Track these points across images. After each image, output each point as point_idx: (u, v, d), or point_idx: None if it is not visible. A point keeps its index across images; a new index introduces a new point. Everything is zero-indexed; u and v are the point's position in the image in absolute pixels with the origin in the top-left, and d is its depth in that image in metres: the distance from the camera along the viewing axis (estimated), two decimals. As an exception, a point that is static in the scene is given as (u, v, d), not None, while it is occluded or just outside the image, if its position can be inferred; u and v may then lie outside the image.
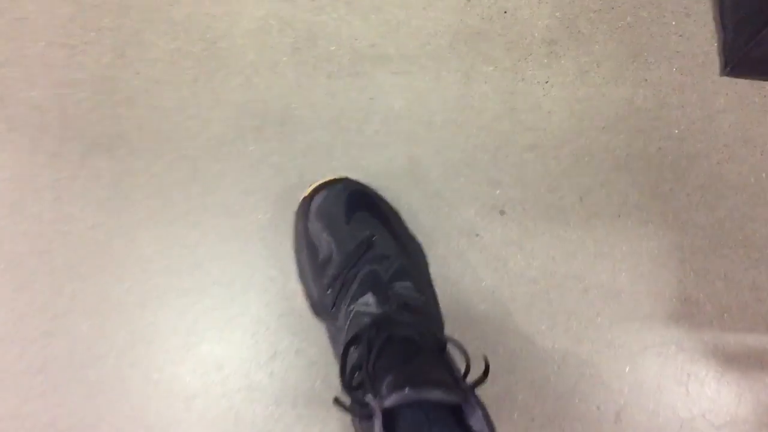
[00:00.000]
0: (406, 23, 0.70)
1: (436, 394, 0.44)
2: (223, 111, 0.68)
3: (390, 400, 0.44)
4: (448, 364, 0.52)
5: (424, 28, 0.70)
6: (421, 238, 0.66)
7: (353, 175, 0.66)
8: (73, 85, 0.68)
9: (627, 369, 0.68)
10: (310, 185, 0.63)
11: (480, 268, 0.68)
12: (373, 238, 0.60)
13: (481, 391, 0.50)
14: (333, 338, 0.60)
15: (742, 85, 0.70)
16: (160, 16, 0.70)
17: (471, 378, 0.50)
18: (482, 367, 0.49)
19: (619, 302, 0.68)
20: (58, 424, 0.64)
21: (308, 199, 0.62)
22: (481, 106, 0.69)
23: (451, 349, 0.55)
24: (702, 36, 0.72)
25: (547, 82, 0.69)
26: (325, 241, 0.60)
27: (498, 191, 0.68)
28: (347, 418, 0.64)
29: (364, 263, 0.58)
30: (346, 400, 0.50)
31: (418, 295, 0.58)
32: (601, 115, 0.69)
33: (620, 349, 0.68)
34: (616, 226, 0.68)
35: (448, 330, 0.64)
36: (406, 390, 0.44)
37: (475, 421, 0.45)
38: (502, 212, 0.68)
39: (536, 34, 0.70)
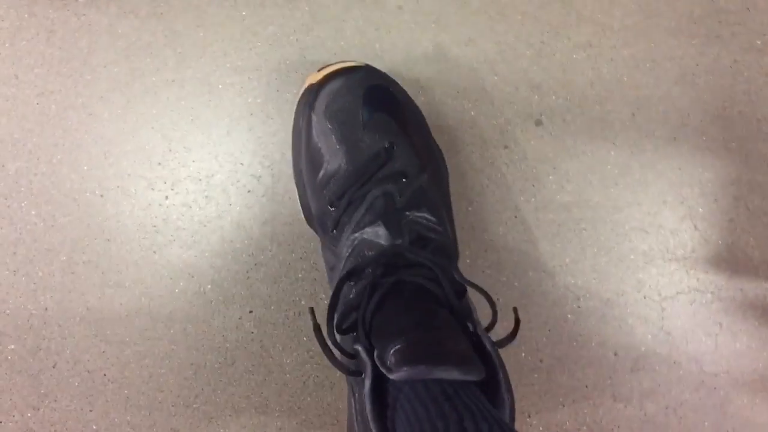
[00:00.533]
0: None
1: (453, 374, 0.35)
2: (209, -38, 0.54)
3: (399, 375, 0.35)
4: (467, 319, 0.43)
5: None
6: (439, 144, 0.55)
7: (365, 60, 0.54)
8: None
9: (654, 314, 0.60)
10: (321, 69, 0.51)
11: (505, 186, 0.57)
12: (393, 149, 0.48)
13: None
14: (328, 263, 0.50)
15: None
16: None
17: (495, 334, 0.41)
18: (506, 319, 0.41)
19: (657, 239, 0.59)
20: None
21: (317, 88, 0.49)
22: (530, -13, 0.56)
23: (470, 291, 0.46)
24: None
25: (614, -35, 0.56)
26: (333, 147, 0.48)
27: (537, 96, 0.57)
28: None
29: (377, 181, 0.47)
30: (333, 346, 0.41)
31: (435, 226, 0.48)
32: (675, 13, 0.57)
33: (650, 291, 0.60)
34: (669, 150, 0.58)
35: (460, 254, 0.55)
36: (421, 367, 0.35)
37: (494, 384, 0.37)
38: (538, 122, 0.57)
39: None
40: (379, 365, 0.36)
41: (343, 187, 0.47)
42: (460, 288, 0.44)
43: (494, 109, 0.56)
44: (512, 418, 0.38)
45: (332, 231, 0.48)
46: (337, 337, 0.43)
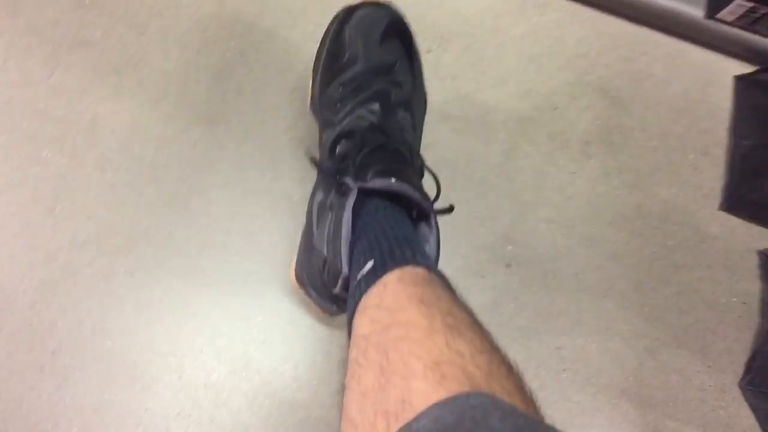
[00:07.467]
0: (473, 95, 0.85)
1: (414, 195, 0.51)
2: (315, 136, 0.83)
3: (373, 183, 0.51)
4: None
5: (487, 102, 0.84)
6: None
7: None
8: (198, 67, 0.84)
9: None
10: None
11: (475, 306, 0.79)
12: (396, 65, 0.65)
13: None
14: (324, 133, 0.66)
15: (735, 222, 0.83)
16: (283, 32, 0.86)
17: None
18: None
19: (585, 366, 0.79)
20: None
21: (352, 9, 0.66)
22: (515, 176, 0.83)
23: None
24: (712, 173, 0.85)
25: (574, 173, 0.83)
26: (355, 47, 0.64)
27: (510, 247, 0.81)
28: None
29: (381, 80, 0.63)
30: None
31: (412, 130, 0.65)
32: (611, 212, 0.82)
33: (576, 405, 0.79)
34: (600, 304, 0.80)
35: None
36: (392, 179, 0.51)
37: (428, 245, 0.54)
38: (508, 265, 0.81)
39: (575, 133, 0.84)
40: (360, 183, 0.53)
41: (355, 74, 0.63)
42: (421, 172, 0.64)
43: (478, 249, 0.81)
44: (437, 258, 0.56)
45: (337, 104, 0.63)
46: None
